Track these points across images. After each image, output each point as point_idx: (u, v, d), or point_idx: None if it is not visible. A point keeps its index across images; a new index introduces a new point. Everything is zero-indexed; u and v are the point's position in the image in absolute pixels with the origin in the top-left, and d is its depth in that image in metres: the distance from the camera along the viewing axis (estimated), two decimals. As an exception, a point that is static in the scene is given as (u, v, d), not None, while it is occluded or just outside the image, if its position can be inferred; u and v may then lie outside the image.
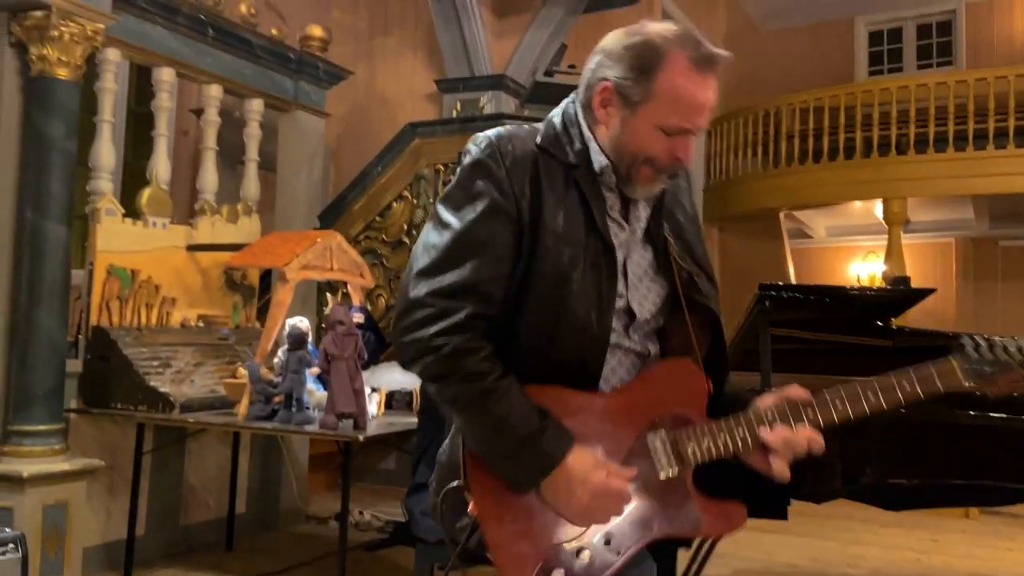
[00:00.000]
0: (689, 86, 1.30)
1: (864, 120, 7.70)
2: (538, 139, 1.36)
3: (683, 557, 2.37)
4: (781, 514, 2.45)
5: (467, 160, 1.35)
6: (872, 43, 10.25)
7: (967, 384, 1.26)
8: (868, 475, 2.65)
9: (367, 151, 5.82)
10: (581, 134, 1.37)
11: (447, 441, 1.41)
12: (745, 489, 2.47)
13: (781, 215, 8.86)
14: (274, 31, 4.62)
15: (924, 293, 2.68)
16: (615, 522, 1.28)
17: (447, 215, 1.32)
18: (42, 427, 3.26)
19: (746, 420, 1.30)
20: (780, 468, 1.29)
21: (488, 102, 5.65)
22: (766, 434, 1.28)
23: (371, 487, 5.65)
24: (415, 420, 3.23)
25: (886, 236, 7.88)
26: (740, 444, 1.29)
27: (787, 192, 8.22)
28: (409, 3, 6.39)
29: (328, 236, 3.80)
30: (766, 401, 1.32)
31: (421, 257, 1.32)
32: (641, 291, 1.38)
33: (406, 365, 1.32)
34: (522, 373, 1.30)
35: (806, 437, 1.29)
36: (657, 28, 1.33)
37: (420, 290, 1.28)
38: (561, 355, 1.30)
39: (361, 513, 4.88)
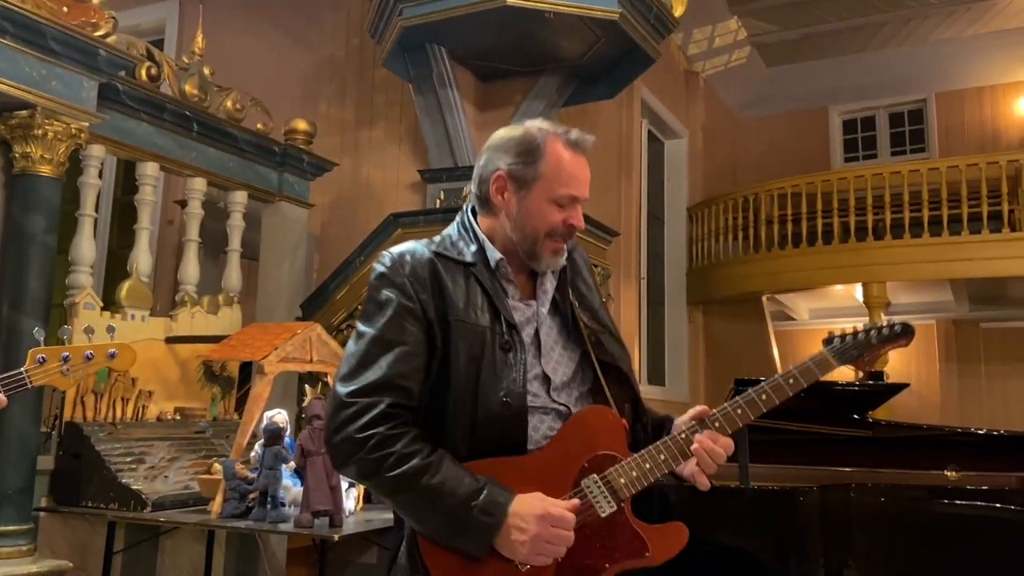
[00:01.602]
0: (568, 163, 1.53)
1: (841, 206, 7.85)
2: (434, 247, 1.55)
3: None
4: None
5: (373, 276, 1.53)
6: (846, 131, 10.54)
7: (836, 364, 1.54)
8: (852, 570, 2.61)
9: (352, 240, 5.86)
10: (476, 236, 1.56)
11: (403, 545, 1.46)
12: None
13: (764, 298, 8.93)
14: (259, 125, 4.72)
15: (897, 388, 2.70)
16: (569, 568, 1.37)
17: (362, 327, 1.48)
18: (10, 527, 3.18)
19: (664, 444, 1.46)
20: (702, 479, 1.46)
21: (470, 193, 5.72)
22: (694, 447, 1.45)
23: (351, 582, 5.49)
24: (392, 516, 3.17)
25: (867, 319, 7.94)
26: (664, 467, 1.45)
27: (768, 276, 8.30)
28: (395, 97, 6.54)
29: (308, 328, 3.80)
30: (681, 420, 1.53)
31: (341, 366, 1.46)
32: (554, 358, 1.53)
33: (340, 467, 1.43)
34: (453, 452, 1.41)
35: (724, 443, 1.46)
36: (532, 123, 1.58)
37: (341, 393, 1.41)
38: (484, 431, 1.42)
39: (340, 611, 4.73)
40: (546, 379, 1.49)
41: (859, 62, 10.00)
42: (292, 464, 3.30)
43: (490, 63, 5.81)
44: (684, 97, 9.33)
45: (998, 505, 2.78)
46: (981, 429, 3.11)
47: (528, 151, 1.53)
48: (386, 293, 1.47)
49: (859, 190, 7.83)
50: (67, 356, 1.66)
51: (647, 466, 1.43)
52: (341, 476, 3.22)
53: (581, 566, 1.38)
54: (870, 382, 2.73)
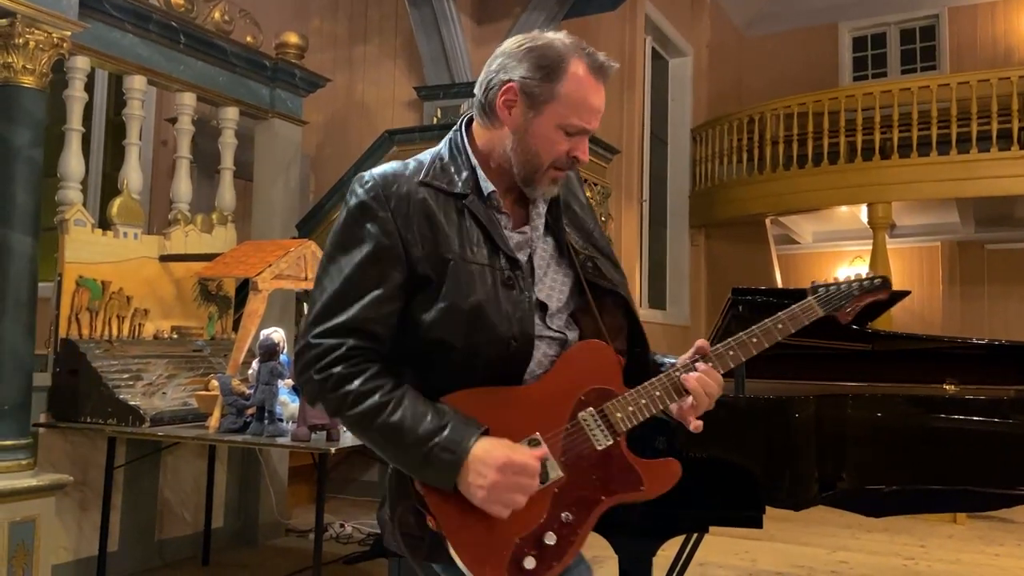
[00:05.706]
0: (588, 90, 1.39)
1: (848, 125, 7.69)
2: (421, 175, 1.41)
3: (662, 565, 2.33)
4: (756, 523, 2.40)
5: (352, 201, 1.38)
6: (856, 48, 10.26)
7: (821, 312, 1.55)
8: (845, 481, 2.61)
9: (347, 159, 5.78)
10: (469, 161, 1.43)
11: (390, 467, 1.42)
12: (718, 499, 2.42)
13: (767, 221, 8.85)
14: (249, 39, 4.58)
15: (897, 296, 2.66)
16: (566, 500, 1.36)
17: (337, 256, 1.37)
18: (8, 442, 3.19)
19: (660, 380, 1.43)
20: (694, 421, 1.42)
21: (469, 109, 5.61)
22: (687, 380, 1.41)
23: (353, 499, 5.60)
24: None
25: (872, 241, 7.86)
26: (659, 402, 1.42)
27: (772, 198, 8.20)
28: (389, 10, 6.35)
29: (302, 245, 3.75)
30: (681, 359, 1.47)
31: (313, 301, 1.37)
32: (547, 283, 1.46)
33: (311, 404, 1.41)
34: (451, 385, 1.35)
35: (717, 378, 1.42)
36: (556, 35, 1.41)
37: (307, 333, 1.35)
38: (489, 367, 1.36)
39: (342, 526, 4.82)
40: (541, 306, 1.42)
41: (871, -25, 9.70)
42: (289, 380, 3.30)
43: (487, -26, 5.62)
44: (689, 13, 9.07)
45: (994, 418, 2.77)
46: (981, 339, 3.08)
47: (548, 67, 1.36)
48: (366, 227, 1.35)
49: (867, 108, 7.66)
50: None
51: (643, 401, 1.41)
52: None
53: (578, 498, 1.37)
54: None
